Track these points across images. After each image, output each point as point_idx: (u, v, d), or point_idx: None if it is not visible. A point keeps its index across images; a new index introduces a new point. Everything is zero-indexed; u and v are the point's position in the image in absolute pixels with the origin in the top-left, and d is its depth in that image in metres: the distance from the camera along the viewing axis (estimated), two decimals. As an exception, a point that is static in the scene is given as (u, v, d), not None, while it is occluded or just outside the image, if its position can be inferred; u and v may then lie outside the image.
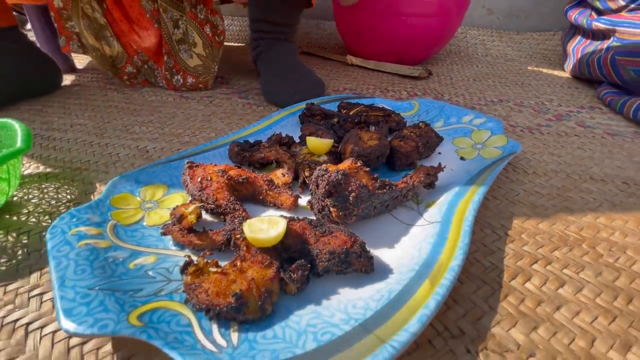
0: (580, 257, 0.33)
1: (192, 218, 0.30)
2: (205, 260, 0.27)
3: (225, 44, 1.10)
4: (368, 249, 0.30)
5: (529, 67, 0.90)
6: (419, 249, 0.30)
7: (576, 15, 0.78)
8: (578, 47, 0.78)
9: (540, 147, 0.52)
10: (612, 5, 0.65)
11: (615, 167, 0.48)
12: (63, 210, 0.39)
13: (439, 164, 0.39)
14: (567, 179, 0.45)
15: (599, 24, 0.70)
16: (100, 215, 0.33)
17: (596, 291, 0.30)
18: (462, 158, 0.46)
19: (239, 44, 1.12)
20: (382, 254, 0.31)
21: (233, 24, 1.19)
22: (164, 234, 0.31)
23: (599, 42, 0.71)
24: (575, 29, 0.81)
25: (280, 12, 0.70)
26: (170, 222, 0.32)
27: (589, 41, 0.75)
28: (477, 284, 0.30)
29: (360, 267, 0.27)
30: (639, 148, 0.53)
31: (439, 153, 0.48)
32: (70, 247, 0.29)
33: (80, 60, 0.90)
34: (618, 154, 0.51)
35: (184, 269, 0.26)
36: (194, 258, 0.29)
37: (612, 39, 0.67)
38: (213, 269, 0.26)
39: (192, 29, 0.67)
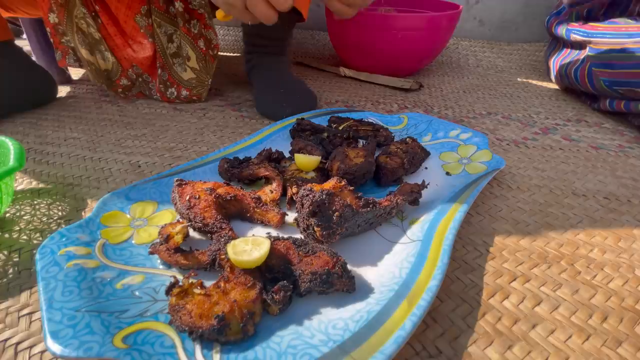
0: (559, 274, 0.34)
1: (178, 238, 0.31)
2: (190, 281, 0.27)
3: (221, 54, 1.11)
4: (350, 268, 0.31)
5: (519, 79, 0.92)
6: (400, 267, 0.31)
7: (556, 25, 0.80)
8: (557, 59, 0.79)
9: (525, 162, 0.54)
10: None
11: (597, 182, 0.49)
12: (54, 228, 0.40)
13: (423, 181, 0.40)
14: (549, 194, 0.46)
15: (576, 36, 0.72)
16: (90, 234, 0.34)
17: (572, 309, 0.30)
18: (447, 173, 0.47)
19: (235, 54, 1.13)
20: (364, 272, 0.32)
21: (229, 34, 1.21)
22: (151, 253, 0.32)
23: (577, 52, 0.73)
24: (557, 42, 0.82)
25: (273, 27, 0.71)
26: (157, 241, 0.32)
27: (568, 51, 0.77)
28: (457, 302, 0.31)
29: (342, 287, 0.28)
30: (622, 162, 0.54)
31: (426, 168, 0.49)
32: (59, 268, 0.29)
33: (76, 72, 0.91)
34: (601, 168, 0.52)
35: (168, 290, 0.26)
36: (180, 277, 0.30)
37: (587, 49, 0.69)
38: (197, 290, 0.26)
39: (185, 43, 0.69)
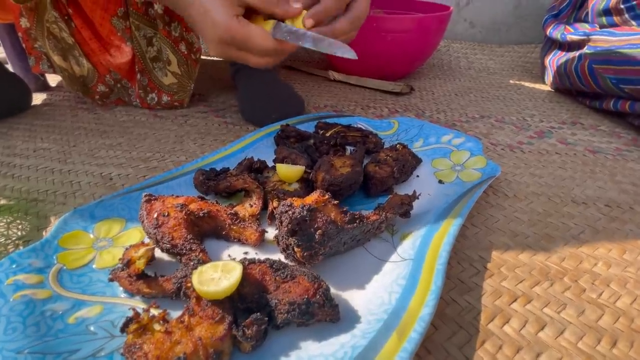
0: (562, 292, 0.31)
1: (140, 264, 0.27)
2: (151, 315, 0.24)
3: (206, 58, 1.08)
4: (335, 292, 0.28)
5: (511, 81, 0.90)
6: (390, 291, 0.28)
7: (551, 29, 0.79)
8: (554, 59, 0.78)
9: (521, 167, 0.51)
10: (617, 21, 0.65)
11: (596, 188, 0.46)
12: (11, 249, 0.36)
13: (414, 192, 0.37)
14: (548, 202, 0.44)
15: (573, 37, 0.71)
16: (45, 259, 0.30)
17: (578, 333, 0.28)
18: (440, 181, 0.45)
19: (220, 58, 1.10)
20: (350, 296, 0.29)
21: (215, 38, 1.18)
22: (111, 280, 0.28)
23: (574, 52, 0.71)
24: (552, 43, 0.81)
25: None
26: (120, 266, 0.29)
27: (564, 53, 0.75)
28: (452, 329, 0.28)
29: (324, 317, 0.25)
30: (621, 166, 0.52)
31: (417, 176, 0.46)
32: (4, 300, 0.26)
33: (53, 78, 0.87)
34: (600, 173, 0.50)
35: (124, 327, 0.23)
36: (142, 308, 0.26)
37: (585, 47, 0.67)
38: (158, 327, 0.23)
39: (166, 47, 0.65)
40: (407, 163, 0.44)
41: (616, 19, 0.67)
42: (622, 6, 0.65)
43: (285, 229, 0.29)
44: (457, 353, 0.26)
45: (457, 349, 0.26)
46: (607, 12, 0.67)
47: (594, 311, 0.30)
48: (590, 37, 0.66)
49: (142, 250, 0.28)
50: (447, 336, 0.27)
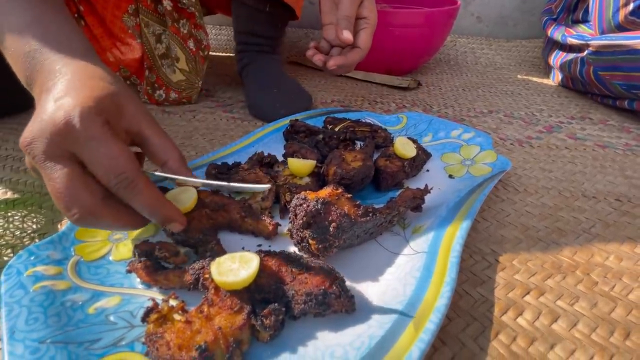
0: (575, 285, 0.31)
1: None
2: (170, 305, 0.24)
3: (214, 54, 1.08)
4: (349, 284, 0.28)
5: (519, 76, 0.90)
6: (404, 283, 0.28)
7: (552, 30, 0.78)
8: (557, 59, 0.77)
9: (530, 162, 0.51)
10: (621, 16, 0.64)
11: (607, 183, 0.46)
12: (27, 242, 0.36)
13: (426, 185, 0.38)
14: (558, 196, 0.44)
15: (572, 40, 0.70)
16: (62, 251, 0.31)
17: (592, 325, 0.28)
18: (450, 176, 0.45)
19: (228, 54, 1.10)
20: (365, 288, 0.29)
21: (221, 33, 1.18)
22: (129, 271, 0.29)
23: (574, 54, 0.71)
24: (553, 43, 0.80)
25: (265, 25, 0.68)
26: (135, 258, 0.29)
27: (565, 53, 0.75)
28: (467, 321, 0.28)
29: (340, 307, 0.25)
30: (631, 162, 0.51)
31: (427, 170, 0.46)
32: (25, 292, 0.26)
33: (61, 74, 0.88)
34: (610, 167, 0.50)
35: (145, 317, 0.23)
36: (161, 298, 0.27)
37: (585, 52, 0.66)
38: (178, 316, 0.23)
39: (174, 44, 0.65)
40: (417, 157, 0.44)
41: (620, 12, 0.66)
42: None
43: (300, 221, 0.29)
44: (471, 344, 0.26)
45: (471, 340, 0.26)
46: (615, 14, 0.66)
47: (607, 304, 0.30)
48: (589, 42, 0.65)
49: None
50: (461, 328, 0.27)
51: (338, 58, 0.48)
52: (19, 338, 0.23)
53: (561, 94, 0.77)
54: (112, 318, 0.26)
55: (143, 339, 0.24)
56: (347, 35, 0.47)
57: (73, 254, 0.31)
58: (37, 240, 0.36)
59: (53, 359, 0.22)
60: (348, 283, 0.28)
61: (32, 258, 0.29)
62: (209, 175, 0.40)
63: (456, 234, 0.32)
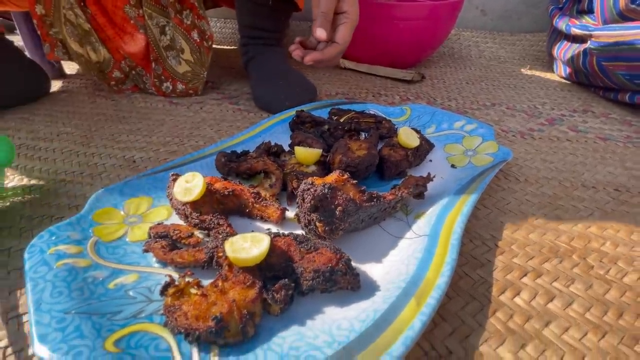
0: (571, 269, 0.33)
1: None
2: (187, 280, 0.26)
3: (218, 47, 1.09)
4: (355, 264, 0.29)
5: (522, 69, 0.90)
6: (407, 264, 0.29)
7: (557, 19, 0.78)
8: (561, 50, 0.78)
9: (532, 153, 0.52)
10: (621, 4, 0.64)
11: (607, 174, 0.47)
12: (45, 225, 0.38)
13: (429, 174, 0.39)
14: (558, 186, 0.45)
15: (576, 30, 0.71)
16: (81, 232, 0.32)
17: (586, 305, 0.29)
18: (453, 165, 0.46)
19: (232, 47, 1.11)
20: (369, 269, 0.30)
21: (226, 26, 1.18)
22: (145, 251, 0.30)
23: (577, 45, 0.71)
24: (558, 33, 0.81)
25: (268, 18, 0.69)
26: (151, 239, 0.31)
27: (569, 44, 0.75)
28: (466, 299, 0.29)
29: (346, 284, 0.27)
30: (631, 153, 0.52)
31: (430, 160, 0.48)
32: (48, 268, 0.28)
33: (70, 66, 0.89)
34: (610, 159, 0.51)
35: (163, 290, 0.25)
36: (176, 276, 0.28)
37: (589, 42, 0.67)
38: (194, 290, 0.25)
39: (178, 35, 0.66)
40: (421, 147, 0.45)
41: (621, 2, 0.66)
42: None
43: (308, 205, 0.31)
44: (470, 321, 0.28)
45: (470, 317, 0.28)
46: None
47: (602, 286, 0.31)
48: (592, 32, 0.65)
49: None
50: (460, 305, 0.29)
51: (314, 54, 0.48)
52: (45, 309, 0.25)
53: (564, 87, 0.78)
54: (131, 293, 0.27)
55: (161, 311, 0.25)
56: (319, 32, 0.46)
57: (92, 235, 0.32)
58: (54, 223, 0.38)
59: (78, 328, 0.24)
60: (353, 264, 0.30)
61: (53, 238, 0.31)
62: (218, 164, 0.42)
63: (457, 218, 0.33)
